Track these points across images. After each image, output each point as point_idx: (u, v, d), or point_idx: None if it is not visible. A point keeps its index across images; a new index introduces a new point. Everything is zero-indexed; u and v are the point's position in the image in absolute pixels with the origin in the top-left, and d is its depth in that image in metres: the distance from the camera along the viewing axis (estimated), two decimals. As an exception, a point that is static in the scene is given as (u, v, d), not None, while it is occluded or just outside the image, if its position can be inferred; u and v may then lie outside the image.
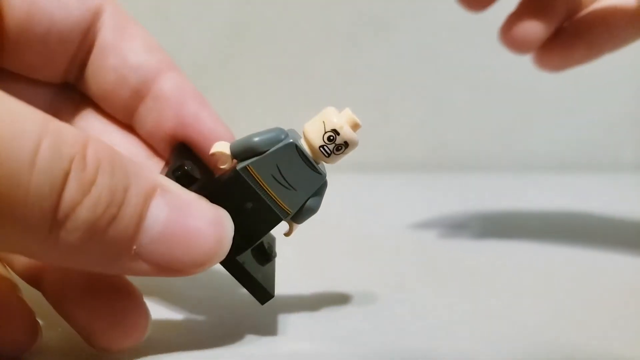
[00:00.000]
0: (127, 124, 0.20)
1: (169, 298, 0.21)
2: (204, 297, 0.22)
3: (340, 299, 0.22)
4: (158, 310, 0.20)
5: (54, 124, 0.13)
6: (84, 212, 0.13)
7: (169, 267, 0.15)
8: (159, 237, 0.14)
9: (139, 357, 0.17)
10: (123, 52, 0.19)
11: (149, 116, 0.19)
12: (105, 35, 0.19)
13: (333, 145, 0.17)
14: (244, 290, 0.18)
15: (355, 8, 0.45)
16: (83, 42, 0.19)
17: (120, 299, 0.16)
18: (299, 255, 0.27)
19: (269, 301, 0.18)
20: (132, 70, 0.19)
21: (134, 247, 0.14)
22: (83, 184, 0.13)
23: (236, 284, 0.18)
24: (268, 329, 0.19)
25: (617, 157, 0.49)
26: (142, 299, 0.17)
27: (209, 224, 0.15)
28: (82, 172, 0.13)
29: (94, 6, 0.19)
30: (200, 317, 0.20)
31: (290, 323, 0.20)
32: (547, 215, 0.34)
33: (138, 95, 0.19)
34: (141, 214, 0.14)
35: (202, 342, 0.18)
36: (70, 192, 0.13)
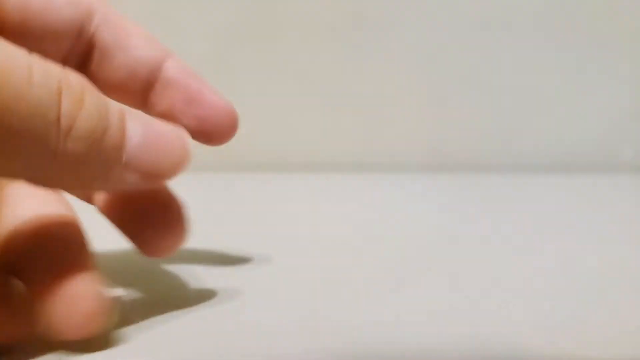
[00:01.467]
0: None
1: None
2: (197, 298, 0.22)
3: (339, 298, 0.22)
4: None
5: (34, 55, 0.15)
6: (83, 122, 0.15)
7: (152, 173, 0.17)
8: (140, 146, 0.17)
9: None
10: (128, 50, 0.21)
11: (161, 101, 0.21)
12: (106, 36, 0.20)
13: None
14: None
15: (355, 9, 0.45)
16: (77, 40, 0.20)
17: (162, 209, 0.20)
18: (298, 253, 0.27)
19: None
20: (141, 65, 0.21)
21: (124, 156, 0.17)
22: (75, 100, 0.15)
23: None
24: (265, 328, 0.19)
25: (617, 157, 0.49)
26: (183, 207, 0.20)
27: (173, 134, 0.18)
28: (71, 90, 0.15)
29: (85, 7, 0.20)
30: (195, 317, 0.20)
31: (289, 321, 0.20)
32: (546, 215, 0.34)
33: (148, 85, 0.21)
34: (123, 126, 0.17)
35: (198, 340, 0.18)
36: (67, 105, 0.15)
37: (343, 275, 0.25)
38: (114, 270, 0.24)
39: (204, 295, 0.22)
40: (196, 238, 0.29)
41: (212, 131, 0.20)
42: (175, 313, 0.20)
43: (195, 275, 0.24)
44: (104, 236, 0.28)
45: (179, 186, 0.20)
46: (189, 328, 0.19)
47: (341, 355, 0.18)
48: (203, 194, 0.37)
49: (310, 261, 0.26)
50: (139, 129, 0.17)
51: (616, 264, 0.26)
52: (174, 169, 0.18)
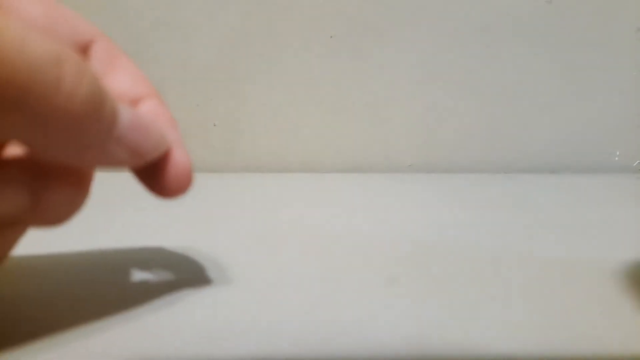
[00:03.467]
0: None
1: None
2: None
3: (334, 297, 0.22)
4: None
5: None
6: (86, 86, 0.16)
7: (138, 152, 0.18)
8: (129, 125, 0.18)
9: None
10: (109, 82, 0.21)
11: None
12: (95, 66, 0.21)
13: None
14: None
15: (355, 15, 0.45)
16: None
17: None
18: (295, 253, 0.27)
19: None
20: (117, 99, 0.21)
21: (116, 130, 0.17)
22: (76, 66, 0.15)
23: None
24: (263, 327, 0.20)
25: (612, 159, 0.49)
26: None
27: (152, 121, 0.19)
28: (71, 58, 0.15)
29: (86, 38, 0.21)
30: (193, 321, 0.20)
31: (287, 320, 0.20)
32: (542, 216, 0.35)
33: None
34: (115, 103, 0.17)
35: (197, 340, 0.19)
36: (69, 68, 0.15)
37: (340, 275, 0.25)
38: (112, 268, 0.24)
39: (201, 294, 0.22)
40: (196, 237, 0.29)
41: (164, 185, 0.20)
42: (171, 311, 0.21)
43: (194, 274, 0.24)
44: (103, 236, 0.28)
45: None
46: (185, 326, 0.20)
47: (338, 355, 0.18)
48: (204, 194, 0.37)
49: (309, 261, 0.26)
50: (126, 111, 0.18)
51: (614, 263, 0.26)
52: (155, 151, 0.19)
